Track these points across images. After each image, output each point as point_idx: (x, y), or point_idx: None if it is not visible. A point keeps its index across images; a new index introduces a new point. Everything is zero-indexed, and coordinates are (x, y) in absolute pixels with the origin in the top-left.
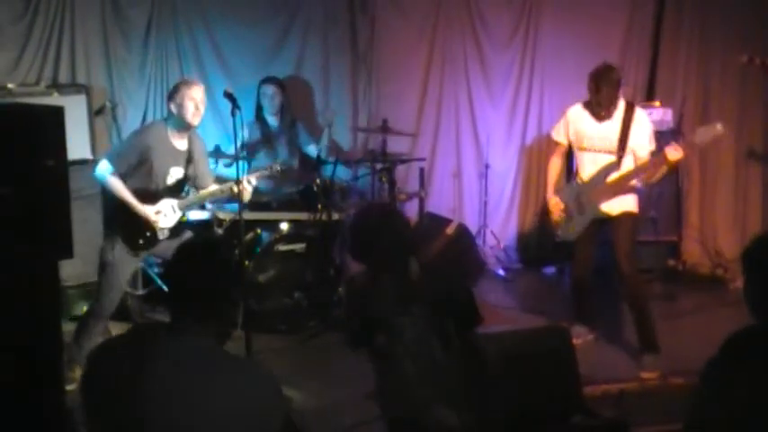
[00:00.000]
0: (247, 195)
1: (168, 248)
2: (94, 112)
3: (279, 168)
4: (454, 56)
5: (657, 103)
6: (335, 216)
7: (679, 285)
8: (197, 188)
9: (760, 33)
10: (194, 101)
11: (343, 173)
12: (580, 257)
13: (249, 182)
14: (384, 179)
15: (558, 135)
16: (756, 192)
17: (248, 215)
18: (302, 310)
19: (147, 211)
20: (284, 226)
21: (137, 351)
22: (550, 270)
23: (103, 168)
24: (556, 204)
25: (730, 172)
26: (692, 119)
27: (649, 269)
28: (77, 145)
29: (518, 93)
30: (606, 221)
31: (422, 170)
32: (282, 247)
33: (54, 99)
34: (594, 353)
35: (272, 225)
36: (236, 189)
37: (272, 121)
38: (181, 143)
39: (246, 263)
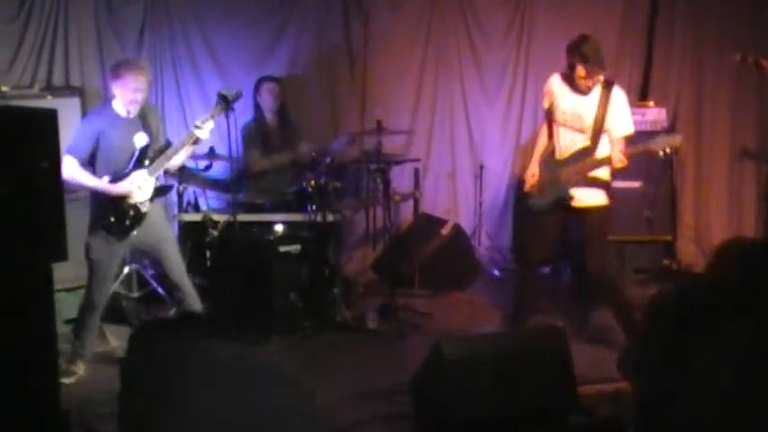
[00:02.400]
0: (206, 134)
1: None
2: None
3: (226, 94)
4: (448, 56)
5: (651, 103)
6: (330, 217)
7: (674, 285)
8: (157, 150)
9: (753, 32)
10: (132, 92)
11: (337, 174)
12: (537, 242)
13: (205, 121)
14: (379, 180)
15: (546, 102)
16: (750, 191)
17: (243, 217)
18: (298, 310)
19: (120, 188)
20: (279, 227)
21: (178, 350)
22: (545, 270)
23: (68, 164)
24: (532, 175)
25: (724, 171)
26: (686, 118)
27: (644, 269)
28: None
29: (512, 92)
30: (574, 211)
31: (416, 171)
32: (278, 249)
33: (48, 102)
34: (589, 352)
35: (267, 226)
36: (195, 133)
37: (270, 119)
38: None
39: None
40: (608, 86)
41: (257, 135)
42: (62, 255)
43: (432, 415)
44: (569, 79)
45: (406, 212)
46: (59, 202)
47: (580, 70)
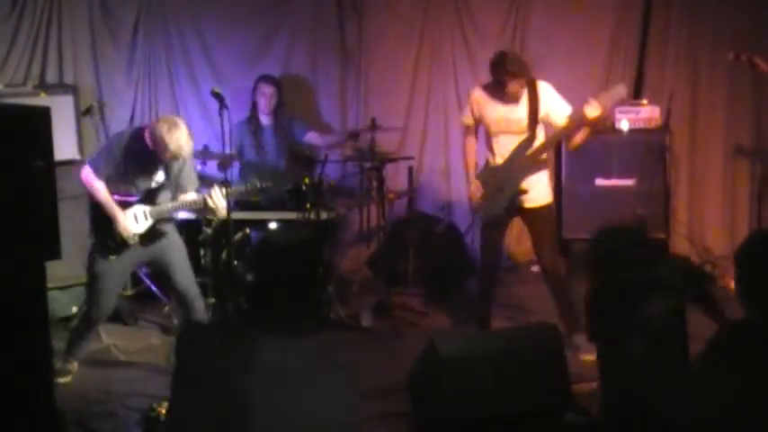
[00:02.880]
0: (222, 210)
1: (147, 252)
2: (82, 113)
3: (258, 186)
4: (443, 54)
5: (645, 101)
6: (324, 215)
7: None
8: (177, 193)
9: (747, 30)
10: (170, 148)
11: (331, 172)
12: (490, 244)
13: (223, 193)
14: (373, 178)
15: (467, 118)
16: (745, 188)
17: (237, 215)
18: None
19: (117, 213)
20: (273, 225)
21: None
22: (536, 269)
23: (87, 173)
24: (476, 188)
25: (719, 169)
26: (681, 116)
27: None
28: (65, 145)
29: None
30: (521, 212)
31: (410, 169)
32: None
33: (41, 99)
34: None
35: (262, 224)
36: (209, 202)
37: (265, 119)
38: None
39: (236, 262)
40: (532, 83)
41: (247, 135)
42: (56, 253)
43: (427, 413)
44: (496, 91)
45: (401, 210)
46: (53, 201)
47: (512, 85)
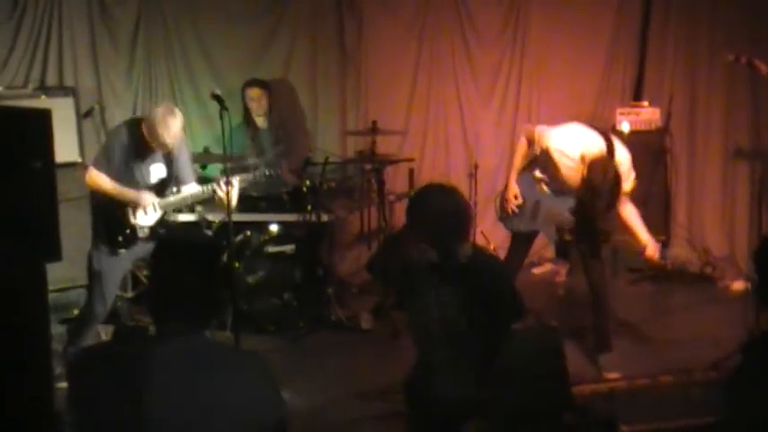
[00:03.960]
0: (231, 197)
1: (149, 249)
2: (82, 115)
3: (265, 173)
4: (443, 55)
5: (646, 103)
6: (324, 217)
7: (667, 284)
8: (179, 188)
9: (746, 32)
10: (163, 136)
11: (331, 174)
12: (518, 255)
13: (231, 184)
14: (373, 180)
15: (534, 136)
16: (744, 190)
17: (237, 217)
18: (291, 310)
19: (135, 194)
20: (273, 227)
21: (126, 357)
22: (541, 270)
23: (92, 175)
24: (514, 197)
25: (718, 170)
26: (680, 118)
27: (638, 268)
28: (65, 147)
29: (506, 91)
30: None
31: (411, 171)
32: (272, 249)
33: (41, 101)
34: (584, 351)
35: (262, 226)
36: (218, 191)
37: (261, 122)
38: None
39: (236, 264)
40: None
41: (245, 139)
42: (56, 255)
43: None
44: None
45: (401, 212)
46: (53, 203)
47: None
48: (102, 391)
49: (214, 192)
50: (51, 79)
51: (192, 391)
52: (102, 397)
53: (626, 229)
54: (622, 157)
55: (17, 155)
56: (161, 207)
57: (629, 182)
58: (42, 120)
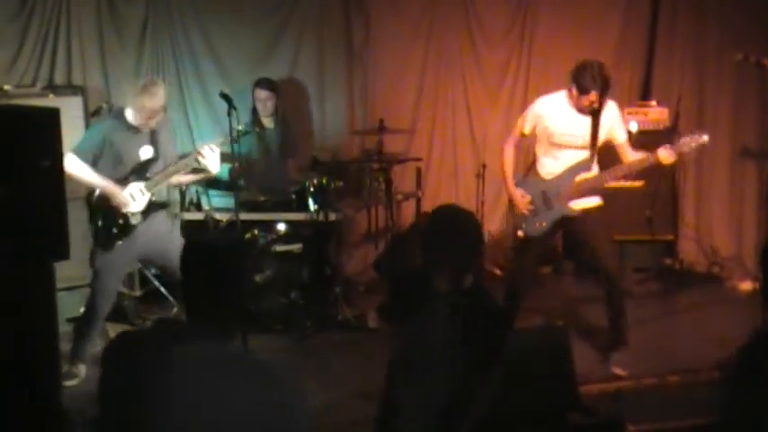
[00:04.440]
0: (214, 164)
1: (146, 242)
2: (91, 114)
3: (239, 130)
4: (450, 54)
5: (653, 103)
6: (331, 216)
7: (675, 284)
8: (167, 166)
9: (755, 32)
10: (146, 110)
11: (339, 173)
12: (530, 255)
13: (212, 149)
14: (380, 179)
15: (525, 128)
16: (752, 190)
17: (244, 216)
18: (299, 309)
19: (111, 187)
20: (281, 226)
21: (158, 351)
22: (547, 269)
23: (69, 160)
24: (522, 197)
25: (726, 170)
26: (688, 117)
27: (645, 268)
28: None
29: (514, 91)
30: (570, 221)
31: (418, 170)
32: (279, 248)
33: (50, 100)
34: (591, 351)
35: (269, 225)
36: (200, 159)
37: (267, 122)
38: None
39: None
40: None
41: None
42: (64, 254)
43: None
44: (563, 102)
45: (408, 212)
46: (62, 202)
47: (584, 99)
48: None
49: (196, 161)
50: (60, 78)
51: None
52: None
53: (633, 167)
54: (611, 108)
55: (26, 154)
56: (148, 189)
57: (618, 133)
58: (51, 119)
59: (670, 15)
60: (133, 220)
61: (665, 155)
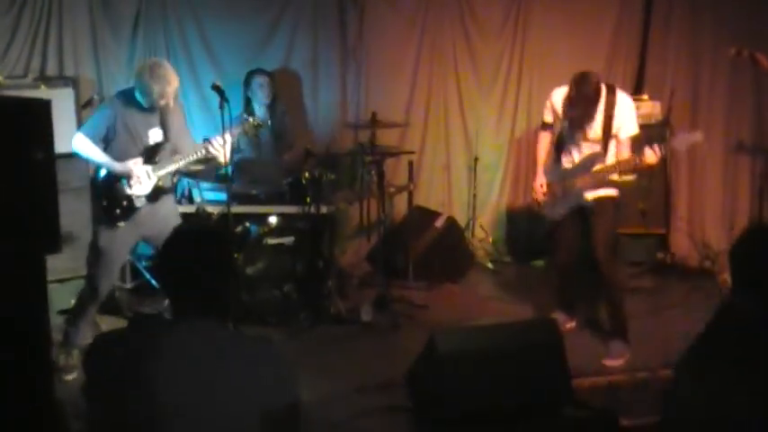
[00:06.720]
0: (224, 154)
1: (153, 226)
2: (82, 105)
3: (253, 123)
4: (444, 48)
5: (646, 97)
6: (324, 209)
7: (667, 278)
8: (176, 153)
9: (749, 26)
10: (153, 87)
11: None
12: (563, 244)
13: (225, 139)
14: (373, 172)
15: (547, 116)
16: (745, 184)
17: (237, 209)
18: (292, 302)
19: (123, 166)
20: (273, 219)
21: (141, 342)
22: (539, 263)
23: (77, 139)
24: (541, 185)
25: (719, 165)
26: (681, 112)
27: (638, 262)
28: (65, 138)
29: (507, 85)
30: (586, 206)
31: (411, 163)
32: (272, 241)
33: (41, 92)
34: (584, 345)
35: (261, 218)
36: (211, 149)
37: (261, 113)
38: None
39: (236, 256)
40: (611, 91)
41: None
42: (56, 247)
43: (427, 407)
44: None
45: (401, 205)
46: (53, 194)
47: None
48: (117, 376)
49: (207, 150)
50: (51, 69)
51: (204, 374)
52: (117, 383)
53: (620, 166)
54: (624, 104)
55: (17, 145)
56: (155, 173)
57: (624, 129)
58: (42, 110)
59: (664, 9)
60: (137, 203)
61: (650, 155)
